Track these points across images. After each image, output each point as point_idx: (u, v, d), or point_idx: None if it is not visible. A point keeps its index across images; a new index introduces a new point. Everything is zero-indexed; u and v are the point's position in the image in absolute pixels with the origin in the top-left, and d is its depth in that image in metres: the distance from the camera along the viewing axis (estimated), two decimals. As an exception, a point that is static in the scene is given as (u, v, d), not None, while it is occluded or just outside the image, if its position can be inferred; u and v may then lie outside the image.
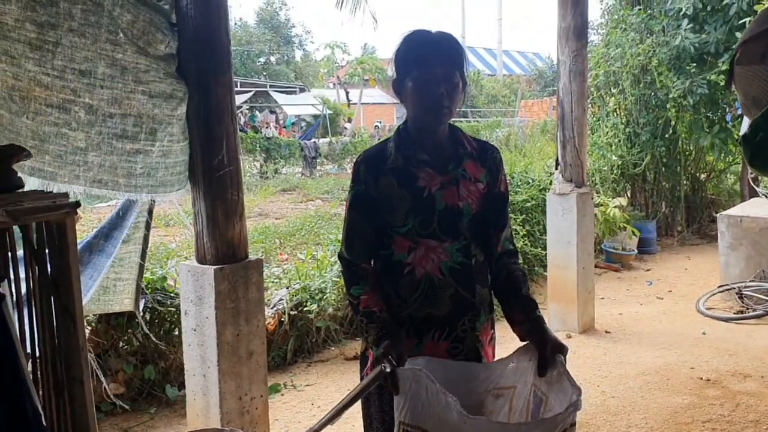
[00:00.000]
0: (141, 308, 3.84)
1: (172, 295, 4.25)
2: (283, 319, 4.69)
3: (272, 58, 43.83)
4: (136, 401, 4.06)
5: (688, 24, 7.67)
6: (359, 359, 2.07)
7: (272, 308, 4.73)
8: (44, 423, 1.47)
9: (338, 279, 5.07)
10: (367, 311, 1.86)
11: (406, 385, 1.65)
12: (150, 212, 3.37)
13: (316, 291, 4.92)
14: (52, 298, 1.88)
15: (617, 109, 8.42)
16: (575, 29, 5.13)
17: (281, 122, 26.90)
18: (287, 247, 7.53)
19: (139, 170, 2.79)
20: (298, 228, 8.54)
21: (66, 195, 1.92)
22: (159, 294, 4.23)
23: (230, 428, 2.71)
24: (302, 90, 32.29)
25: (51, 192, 2.00)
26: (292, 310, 4.75)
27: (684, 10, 7.64)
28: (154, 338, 4.20)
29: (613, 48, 8.20)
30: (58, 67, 2.56)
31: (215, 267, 2.89)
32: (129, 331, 4.12)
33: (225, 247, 2.95)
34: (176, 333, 4.25)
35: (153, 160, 2.80)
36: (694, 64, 7.66)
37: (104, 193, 2.77)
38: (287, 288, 4.98)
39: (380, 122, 29.65)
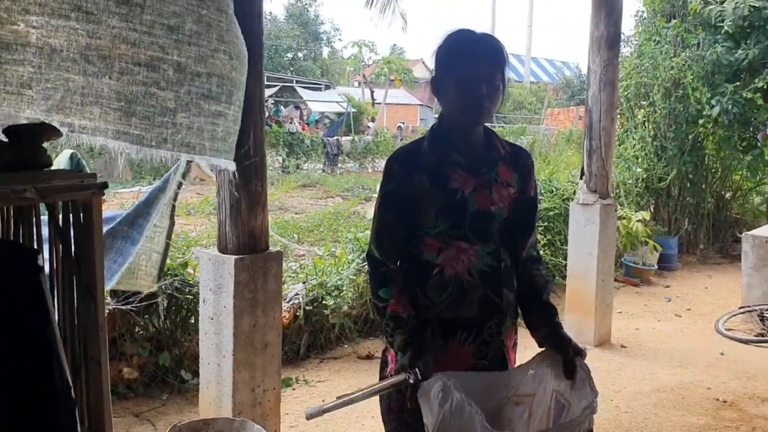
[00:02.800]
0: (161, 285, 3.86)
1: (190, 283, 4.26)
2: (298, 314, 4.68)
3: (299, 54, 43.99)
4: (148, 386, 4.08)
5: (726, 39, 7.56)
6: (380, 359, 2.04)
7: (288, 302, 4.73)
8: (73, 396, 1.48)
9: (355, 277, 5.06)
10: (395, 315, 1.83)
11: (434, 394, 1.63)
12: (175, 199, 3.37)
13: (333, 288, 4.91)
14: (74, 278, 1.88)
15: (646, 122, 8.33)
16: (608, 38, 5.07)
17: (305, 118, 26.96)
18: (305, 243, 7.53)
19: (220, 133, 2.68)
20: (317, 224, 8.54)
21: (94, 175, 1.92)
22: (177, 281, 4.24)
23: (241, 419, 2.71)
24: (327, 87, 32.37)
25: (79, 172, 1.99)
26: (307, 305, 4.75)
27: (726, 27, 7.53)
28: (170, 325, 4.22)
29: (645, 59, 8.10)
30: (147, 22, 2.41)
31: (236, 257, 2.89)
32: (146, 316, 4.14)
33: (246, 237, 2.95)
34: (192, 321, 4.27)
35: (228, 125, 2.71)
36: (728, 81, 7.55)
37: (191, 157, 2.65)
38: (304, 283, 4.98)
39: (403, 123, 29.62)
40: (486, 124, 1.96)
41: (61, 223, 1.90)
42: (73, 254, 1.88)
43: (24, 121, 2.43)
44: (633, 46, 9.21)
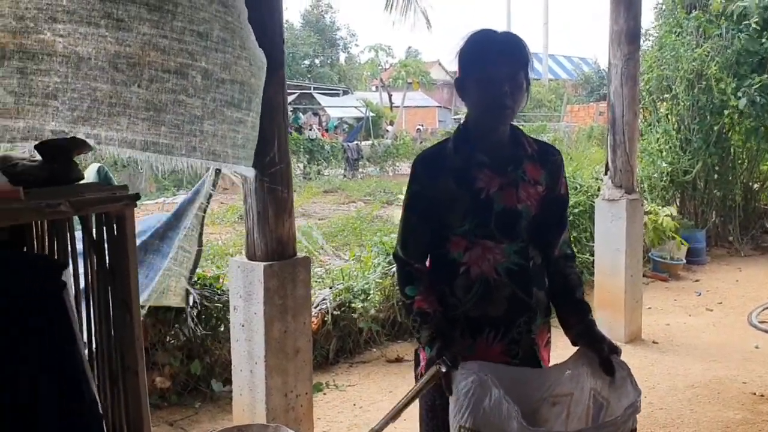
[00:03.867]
0: (190, 303, 3.89)
1: (219, 291, 4.30)
2: (326, 319, 4.69)
3: (316, 61, 44.21)
4: (181, 395, 4.11)
5: (750, 28, 7.45)
6: (413, 360, 2.05)
7: (316, 307, 4.74)
8: (100, 411, 1.49)
9: (381, 280, 5.07)
10: (421, 311, 1.86)
11: (470, 389, 1.63)
12: (204, 210, 3.40)
13: (360, 292, 4.92)
14: (109, 289, 1.91)
15: (669, 115, 8.22)
16: (628, 32, 5.02)
17: (323, 124, 27.08)
18: (331, 248, 7.55)
19: (240, 140, 2.68)
20: (341, 229, 8.57)
21: (125, 187, 1.94)
22: (207, 290, 4.27)
23: (276, 424, 2.72)
24: (345, 92, 32.51)
25: (109, 185, 2.02)
26: (335, 310, 4.76)
27: (750, 17, 7.41)
28: (200, 333, 4.26)
29: (666, 52, 8.01)
30: (177, 29, 2.41)
31: (265, 263, 2.90)
32: (176, 325, 4.18)
33: (274, 243, 2.96)
34: (222, 329, 4.30)
35: (248, 131, 2.71)
36: (755, 72, 7.44)
37: (217, 165, 2.64)
38: (330, 288, 5.00)
39: (422, 125, 29.63)
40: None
41: (94, 235, 1.93)
42: (107, 266, 1.90)
43: (49, 134, 2.45)
44: (653, 39, 9.11)
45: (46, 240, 2.11)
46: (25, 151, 2.49)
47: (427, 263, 1.99)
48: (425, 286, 1.91)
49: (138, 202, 1.92)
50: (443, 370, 1.71)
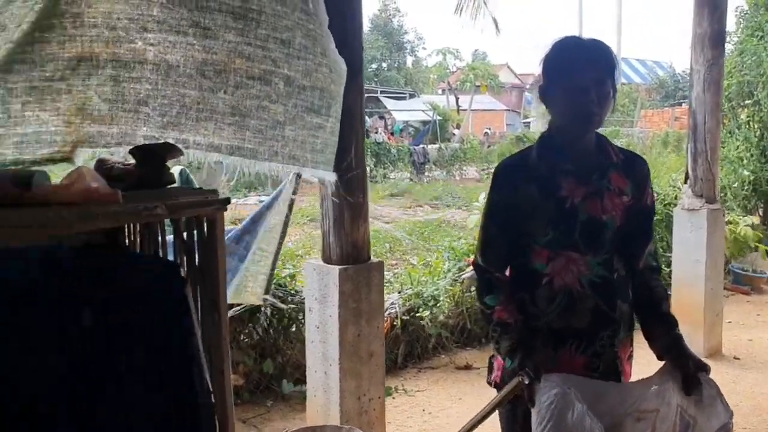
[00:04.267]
0: (265, 303, 3.99)
1: (291, 292, 4.38)
2: (395, 323, 4.72)
3: (383, 64, 44.47)
4: (254, 393, 4.21)
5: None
6: (487, 366, 2.04)
7: (385, 312, 4.77)
8: (212, 400, 1.55)
9: (451, 287, 5.05)
10: (501, 321, 1.85)
11: (553, 402, 1.61)
12: (287, 215, 3.48)
13: (429, 298, 4.92)
14: (198, 289, 1.97)
15: (750, 122, 7.89)
16: (712, 36, 4.85)
17: (389, 127, 27.20)
18: (397, 252, 7.58)
19: (319, 145, 2.73)
20: (408, 233, 8.59)
21: (216, 192, 2.01)
22: (280, 290, 4.36)
23: (349, 426, 2.75)
24: (412, 96, 32.52)
25: (200, 189, 2.09)
26: (404, 315, 4.77)
27: None
28: (272, 333, 4.35)
29: (747, 56, 7.69)
30: (261, 37, 2.47)
31: (340, 267, 2.95)
32: (250, 324, 4.28)
33: (350, 247, 3.01)
34: (293, 330, 4.38)
35: (327, 136, 2.75)
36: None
37: (297, 170, 2.70)
38: (399, 293, 5.02)
39: (489, 129, 29.36)
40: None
41: (184, 237, 2.00)
42: (196, 267, 1.97)
43: (140, 140, 2.56)
44: (734, 43, 8.77)
45: (138, 242, 2.20)
46: (118, 155, 2.62)
47: (508, 272, 1.98)
48: (506, 296, 1.89)
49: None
50: (526, 381, 1.70)
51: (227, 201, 1.91)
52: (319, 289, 3.01)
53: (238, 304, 4.02)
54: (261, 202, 4.09)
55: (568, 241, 1.85)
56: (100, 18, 2.41)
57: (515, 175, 1.92)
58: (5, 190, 1.71)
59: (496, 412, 1.85)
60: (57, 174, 2.25)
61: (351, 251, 3.01)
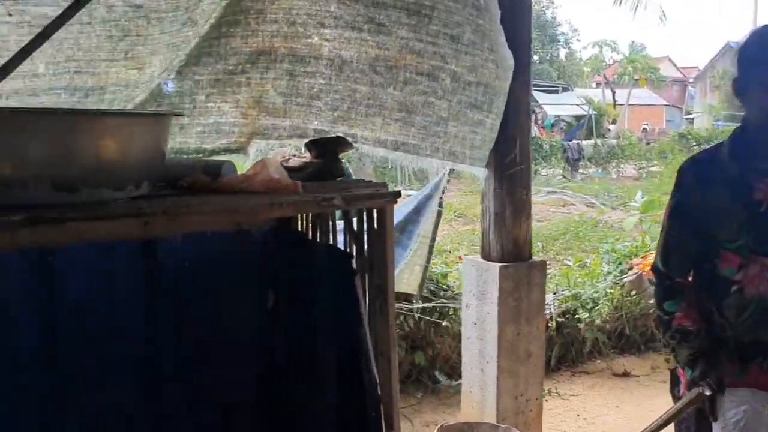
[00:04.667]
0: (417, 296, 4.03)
1: (443, 287, 4.40)
2: (549, 324, 4.58)
3: (535, 57, 43.41)
4: (404, 384, 4.27)
5: None
6: (669, 378, 1.92)
7: (540, 312, 4.66)
8: (379, 392, 1.59)
9: (611, 290, 4.84)
10: (681, 329, 1.76)
11: (741, 419, 1.49)
12: (441, 204, 3.51)
13: (588, 300, 4.73)
14: (366, 277, 2.02)
15: None
16: None
17: (540, 122, 26.52)
18: (550, 251, 7.38)
19: (478, 142, 2.74)
20: (562, 232, 8.33)
21: (385, 184, 2.05)
22: (432, 284, 4.39)
23: (506, 426, 2.71)
24: (564, 89, 31.49)
25: (370, 181, 2.14)
26: (559, 316, 4.63)
27: None
28: (423, 326, 4.39)
29: None
30: (432, 33, 2.53)
31: (500, 264, 2.91)
32: (401, 316, 4.35)
33: (510, 245, 2.96)
34: (444, 324, 4.39)
35: (486, 133, 2.75)
36: None
37: (454, 166, 2.75)
38: (554, 293, 4.87)
39: (647, 125, 27.81)
40: None
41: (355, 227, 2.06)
42: (365, 256, 2.02)
43: (311, 133, 2.67)
44: None
45: (309, 230, 2.30)
46: (290, 148, 2.75)
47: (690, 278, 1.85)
48: (687, 302, 1.79)
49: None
50: (707, 393, 1.61)
51: (398, 194, 1.94)
52: (478, 285, 2.99)
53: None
54: (409, 195, 4.12)
55: (764, 246, 1.70)
56: (281, 14, 2.54)
57: (703, 174, 1.80)
58: (198, 179, 1.85)
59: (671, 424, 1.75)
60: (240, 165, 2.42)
61: (512, 249, 2.96)
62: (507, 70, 2.76)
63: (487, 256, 3.01)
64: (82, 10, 2.12)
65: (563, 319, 4.65)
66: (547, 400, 4.15)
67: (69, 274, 1.45)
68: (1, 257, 1.37)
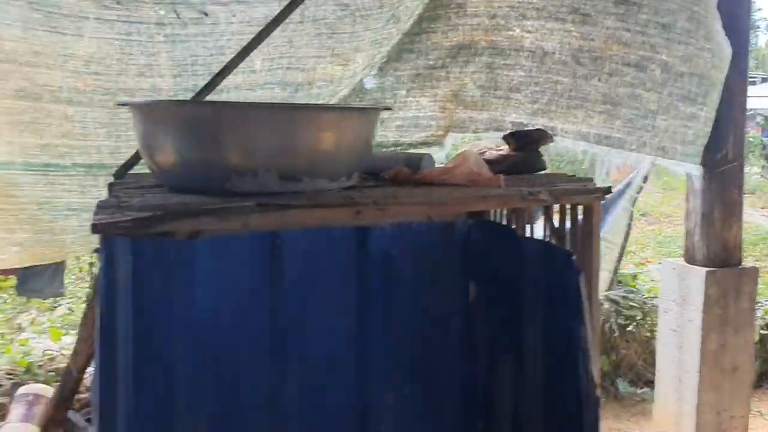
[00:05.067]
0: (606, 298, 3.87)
1: (633, 290, 4.18)
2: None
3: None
4: (586, 387, 4.12)
5: None
6: None
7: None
8: (598, 395, 1.54)
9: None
10: None
11: None
12: (634, 203, 3.33)
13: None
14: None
15: None
16: None
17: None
18: (749, 257, 6.73)
19: (690, 137, 2.59)
20: (762, 236, 7.57)
21: (591, 180, 1.98)
22: (621, 287, 4.19)
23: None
24: (765, 80, 28.51)
25: (573, 176, 2.07)
26: (762, 328, 4.20)
27: None
28: (608, 330, 4.19)
29: None
30: (641, 21, 2.45)
31: (706, 269, 2.71)
32: (586, 318, 4.19)
33: (718, 248, 2.75)
34: (630, 329, 4.17)
35: (699, 127, 2.59)
36: None
37: (663, 162, 2.62)
38: (757, 303, 4.43)
39: None
40: None
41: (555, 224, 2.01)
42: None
43: (508, 126, 2.65)
44: None
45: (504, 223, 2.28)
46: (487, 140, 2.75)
47: None
48: None
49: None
50: None
51: (608, 190, 1.86)
52: (679, 290, 2.80)
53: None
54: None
55: None
56: (482, 7, 2.55)
57: None
58: (400, 171, 1.91)
59: None
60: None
61: (719, 252, 2.75)
62: (724, 59, 2.54)
63: (690, 259, 2.82)
64: (296, 9, 2.26)
65: (767, 332, 4.22)
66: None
67: (294, 254, 1.55)
68: (234, 238, 1.50)
